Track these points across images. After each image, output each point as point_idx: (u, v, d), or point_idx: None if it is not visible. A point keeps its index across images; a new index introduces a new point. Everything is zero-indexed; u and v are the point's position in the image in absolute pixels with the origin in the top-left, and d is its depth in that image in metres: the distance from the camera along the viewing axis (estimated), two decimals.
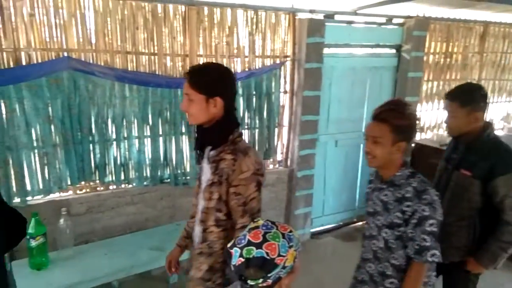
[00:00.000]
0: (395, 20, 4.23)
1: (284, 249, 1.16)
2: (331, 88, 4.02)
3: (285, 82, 3.81)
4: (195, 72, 1.67)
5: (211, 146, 1.74)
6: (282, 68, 3.72)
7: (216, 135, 1.71)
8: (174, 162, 3.33)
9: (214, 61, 3.35)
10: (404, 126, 1.68)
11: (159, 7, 3.04)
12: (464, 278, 2.21)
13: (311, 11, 3.66)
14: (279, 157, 4.02)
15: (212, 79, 1.65)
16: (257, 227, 1.21)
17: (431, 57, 4.58)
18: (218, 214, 1.74)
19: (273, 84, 3.66)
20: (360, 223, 4.52)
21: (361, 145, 4.40)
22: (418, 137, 4.78)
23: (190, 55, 3.24)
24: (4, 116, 2.64)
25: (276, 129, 3.85)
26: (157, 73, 3.15)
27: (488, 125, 2.09)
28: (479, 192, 2.05)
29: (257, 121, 3.68)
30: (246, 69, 3.51)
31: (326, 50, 3.82)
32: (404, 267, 1.76)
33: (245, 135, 3.66)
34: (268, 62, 3.64)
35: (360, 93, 4.28)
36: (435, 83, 4.74)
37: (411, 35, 4.23)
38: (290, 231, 1.21)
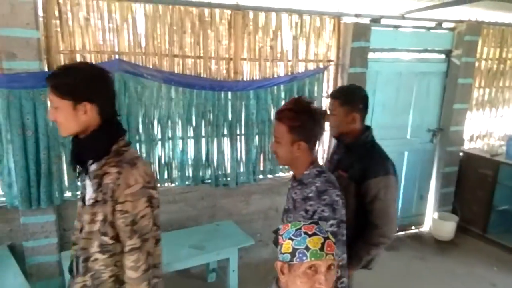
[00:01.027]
0: (445, 25, 4.09)
1: None
2: (375, 94, 3.94)
3: (328, 86, 3.78)
4: (57, 74, 1.42)
5: (90, 159, 1.49)
6: (325, 72, 3.70)
7: (94, 146, 1.47)
8: (215, 163, 3.39)
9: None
10: (298, 126, 1.66)
11: (206, 11, 3.13)
12: None
13: (357, 15, 3.62)
14: (320, 161, 3.97)
15: (76, 82, 1.40)
16: (313, 223, 1.28)
17: (483, 63, 4.38)
18: (104, 238, 1.48)
19: (315, 88, 3.64)
20: (402, 233, 4.39)
21: (406, 153, 4.28)
22: (467, 145, 4.58)
23: (234, 59, 3.30)
24: None
25: None
26: (202, 75, 3.23)
27: (367, 128, 2.14)
28: (353, 194, 2.05)
29: None
30: (289, 73, 3.52)
31: (371, 55, 3.76)
32: None
33: None
34: (311, 66, 3.63)
35: (406, 99, 4.16)
36: (487, 90, 4.53)
37: (462, 40, 4.07)
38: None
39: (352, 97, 2.08)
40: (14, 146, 2.65)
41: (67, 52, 2.82)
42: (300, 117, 1.65)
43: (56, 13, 2.73)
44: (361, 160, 2.04)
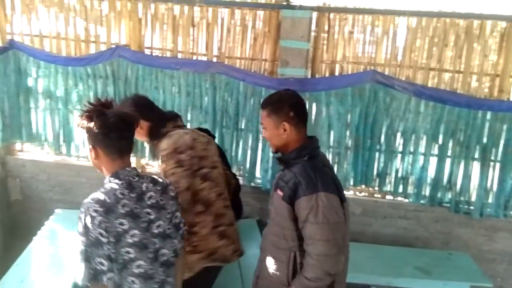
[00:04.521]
0: None
1: None
2: None
3: None
4: None
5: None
6: None
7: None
8: (458, 187, 3.10)
9: None
10: (86, 131, 1.51)
11: (475, 24, 2.89)
12: None
13: None
14: None
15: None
16: None
17: None
18: None
19: None
20: None
21: None
22: None
23: (502, 75, 2.93)
24: (313, 116, 3.15)
25: None
26: (458, 91, 3.01)
27: (309, 143, 1.78)
28: (289, 217, 1.70)
29: None
30: None
31: None
32: None
33: None
34: None
35: None
36: None
37: None
38: None
39: (278, 105, 1.75)
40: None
41: (328, 62, 3.14)
42: (83, 121, 1.51)
43: (325, 28, 3.07)
44: (294, 177, 1.69)
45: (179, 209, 1.70)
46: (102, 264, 1.41)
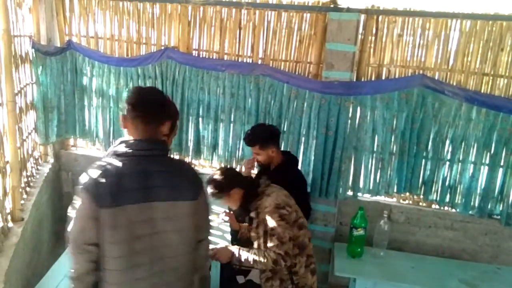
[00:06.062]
0: None
1: None
2: None
3: None
4: None
5: None
6: None
7: None
8: (510, 199, 2.94)
9: None
10: None
11: None
12: None
13: None
14: None
15: None
16: None
17: None
18: None
19: None
20: None
21: None
22: None
23: None
24: (357, 120, 3.10)
25: None
26: None
27: (135, 139, 1.62)
28: None
29: None
30: None
31: None
32: None
33: None
34: None
35: None
36: None
37: None
38: None
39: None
40: (316, 142, 3.12)
41: (375, 65, 3.08)
42: None
43: (373, 30, 3.02)
44: None
45: None
46: None
